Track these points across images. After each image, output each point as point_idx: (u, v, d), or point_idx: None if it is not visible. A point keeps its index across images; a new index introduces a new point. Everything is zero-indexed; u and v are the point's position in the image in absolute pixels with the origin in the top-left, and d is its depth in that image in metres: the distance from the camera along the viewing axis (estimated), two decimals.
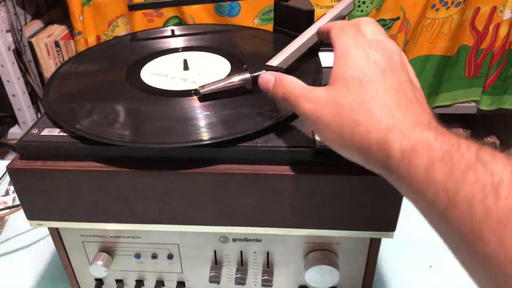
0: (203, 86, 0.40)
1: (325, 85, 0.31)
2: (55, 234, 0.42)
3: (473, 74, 1.26)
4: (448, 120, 1.42)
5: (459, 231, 0.23)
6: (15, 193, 0.62)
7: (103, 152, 0.36)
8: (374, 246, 0.40)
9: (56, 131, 0.38)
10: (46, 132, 0.38)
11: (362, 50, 0.31)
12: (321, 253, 0.40)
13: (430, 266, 0.51)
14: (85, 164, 0.36)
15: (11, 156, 1.43)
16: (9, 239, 0.55)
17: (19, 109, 1.33)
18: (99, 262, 0.41)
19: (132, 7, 0.54)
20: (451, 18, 1.14)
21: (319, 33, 0.40)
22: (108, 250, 0.43)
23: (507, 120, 1.38)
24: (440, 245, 0.57)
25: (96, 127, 0.37)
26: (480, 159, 0.23)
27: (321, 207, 0.37)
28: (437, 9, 1.14)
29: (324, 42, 0.43)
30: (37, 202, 0.38)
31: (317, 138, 0.36)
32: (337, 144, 0.30)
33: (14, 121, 1.40)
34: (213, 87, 0.40)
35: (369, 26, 0.34)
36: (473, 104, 1.32)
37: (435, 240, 0.56)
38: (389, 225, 0.37)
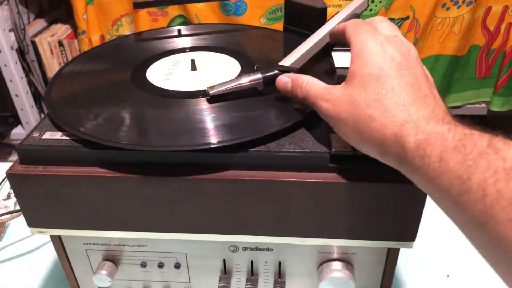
0: (212, 87, 0.38)
1: (341, 82, 0.32)
2: (57, 242, 0.40)
3: (484, 75, 1.23)
4: None
5: (472, 214, 0.24)
6: None
7: (108, 156, 0.35)
8: (392, 257, 0.38)
9: (58, 135, 0.36)
10: (47, 135, 0.36)
11: (379, 45, 0.31)
12: (336, 263, 0.38)
13: (448, 276, 0.48)
14: (89, 170, 0.35)
15: (14, 157, 1.42)
16: (11, 244, 0.53)
17: (22, 109, 1.32)
18: (103, 272, 0.40)
19: (138, 5, 0.52)
20: (462, 17, 1.12)
21: (332, 34, 0.39)
22: (113, 258, 0.41)
23: None
24: (457, 254, 0.55)
25: (100, 130, 0.36)
26: (492, 146, 0.24)
27: (337, 215, 0.35)
28: (448, 8, 1.12)
29: (337, 43, 0.41)
30: (38, 209, 0.37)
31: (333, 142, 0.34)
32: (354, 139, 0.30)
33: (17, 121, 1.38)
34: (223, 88, 0.38)
35: (383, 24, 0.34)
36: (483, 105, 1.29)
37: (452, 249, 0.54)
38: (409, 234, 0.35)
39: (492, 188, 0.22)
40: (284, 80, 0.36)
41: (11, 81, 1.26)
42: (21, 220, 0.48)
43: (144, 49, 0.50)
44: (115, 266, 0.41)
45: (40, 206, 0.36)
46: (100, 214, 0.36)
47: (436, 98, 0.29)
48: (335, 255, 0.39)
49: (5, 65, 1.23)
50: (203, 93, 0.40)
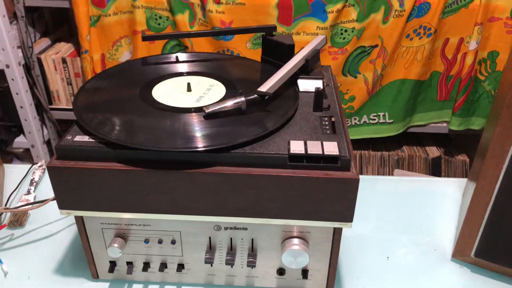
0: (207, 107, 0.50)
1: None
2: (80, 221, 0.52)
3: (444, 98, 1.38)
4: (423, 139, 1.55)
5: None
6: (36, 193, 0.71)
7: (124, 154, 0.46)
8: (337, 235, 0.50)
9: (86, 138, 0.48)
10: (77, 138, 0.48)
11: None
12: (295, 240, 0.50)
13: (388, 257, 0.61)
14: (109, 164, 0.46)
15: (16, 164, 1.51)
16: (33, 230, 0.64)
17: (25, 120, 1.42)
18: (115, 245, 0.51)
19: (146, 38, 0.64)
20: (423, 47, 1.27)
21: None
22: (123, 235, 0.52)
23: (475, 140, 1.50)
24: (394, 242, 0.70)
25: (118, 134, 0.47)
26: None
27: (294, 201, 0.47)
28: (411, 39, 1.27)
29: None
30: (68, 194, 0.48)
31: (291, 147, 0.46)
32: None
33: (19, 130, 1.48)
34: (216, 107, 0.50)
35: None
36: (445, 124, 1.44)
37: (391, 239, 0.68)
38: (348, 216, 0.48)
39: None
40: None
41: (17, 94, 1.36)
42: (39, 211, 0.59)
43: (149, 72, 0.62)
44: (124, 242, 0.52)
45: (70, 192, 0.48)
46: (115, 199, 0.48)
47: None
48: (294, 233, 0.51)
49: (12, 79, 1.34)
50: (194, 110, 0.52)
